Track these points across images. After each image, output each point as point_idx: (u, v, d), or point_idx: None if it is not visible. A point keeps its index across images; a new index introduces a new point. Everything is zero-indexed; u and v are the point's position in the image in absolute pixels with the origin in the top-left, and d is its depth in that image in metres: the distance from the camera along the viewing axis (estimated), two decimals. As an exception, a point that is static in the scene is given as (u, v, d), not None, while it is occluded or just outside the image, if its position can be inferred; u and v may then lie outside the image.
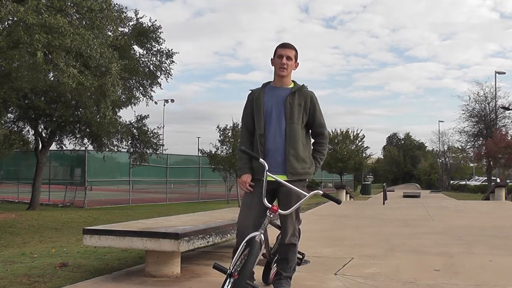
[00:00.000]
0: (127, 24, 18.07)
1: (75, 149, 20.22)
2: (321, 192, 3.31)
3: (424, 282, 4.02)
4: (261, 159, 3.32)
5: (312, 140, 3.65)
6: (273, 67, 3.56)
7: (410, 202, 18.63)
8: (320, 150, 3.59)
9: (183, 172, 29.71)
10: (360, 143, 36.02)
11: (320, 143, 3.60)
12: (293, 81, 3.61)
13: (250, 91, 3.64)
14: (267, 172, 3.28)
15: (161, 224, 4.60)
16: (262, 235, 3.16)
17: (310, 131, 3.61)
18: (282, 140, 3.43)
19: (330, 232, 7.63)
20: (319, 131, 3.58)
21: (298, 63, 3.59)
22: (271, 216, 3.22)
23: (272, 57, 3.56)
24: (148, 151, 20.17)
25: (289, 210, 3.28)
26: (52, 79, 13.64)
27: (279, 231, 3.63)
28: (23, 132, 19.22)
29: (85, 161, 21.66)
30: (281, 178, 3.36)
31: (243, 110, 3.63)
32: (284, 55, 3.49)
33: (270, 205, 3.22)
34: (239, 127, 25.44)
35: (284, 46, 3.54)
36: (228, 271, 2.94)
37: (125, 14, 17.35)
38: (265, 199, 3.23)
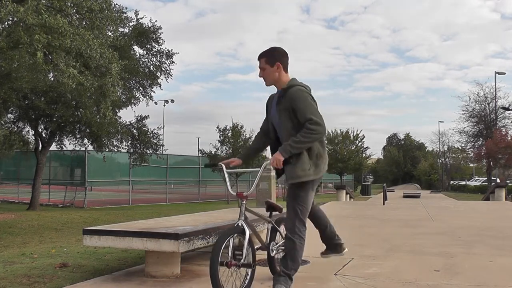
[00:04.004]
0: (127, 25, 18.08)
1: (75, 149, 20.21)
2: (268, 162, 3.55)
3: (424, 283, 4.01)
4: (219, 163, 3.81)
5: None
6: None
7: (410, 202, 18.63)
8: (298, 135, 3.41)
9: (183, 172, 29.71)
10: (360, 143, 36.06)
11: (302, 130, 3.42)
12: (293, 79, 3.63)
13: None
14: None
15: (161, 224, 4.60)
16: (242, 221, 3.43)
17: None
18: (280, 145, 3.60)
19: (330, 233, 7.61)
20: (304, 124, 3.43)
21: (278, 64, 3.56)
22: (243, 202, 3.50)
23: None
24: (148, 152, 20.18)
25: (250, 190, 3.89)
26: (52, 79, 13.63)
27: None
28: (23, 133, 19.20)
29: (85, 161, 21.66)
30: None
31: None
32: (259, 68, 3.62)
33: (235, 193, 3.62)
34: (239, 127, 25.56)
35: (258, 58, 3.61)
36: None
37: (125, 15, 17.35)
38: (231, 188, 3.79)
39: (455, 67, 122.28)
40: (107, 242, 4.05)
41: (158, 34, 18.93)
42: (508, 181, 29.03)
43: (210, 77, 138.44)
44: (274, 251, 3.91)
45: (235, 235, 3.38)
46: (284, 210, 3.86)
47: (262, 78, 3.61)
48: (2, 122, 16.91)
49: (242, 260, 3.33)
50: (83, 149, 20.46)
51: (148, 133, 19.91)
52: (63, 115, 17.23)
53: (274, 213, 4.00)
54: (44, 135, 18.88)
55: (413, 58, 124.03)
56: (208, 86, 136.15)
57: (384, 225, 9.15)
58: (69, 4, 10.98)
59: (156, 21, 24.33)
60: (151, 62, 19.39)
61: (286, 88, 3.53)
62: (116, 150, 19.52)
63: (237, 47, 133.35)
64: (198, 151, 35.84)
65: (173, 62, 19.47)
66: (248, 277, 3.47)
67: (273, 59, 3.55)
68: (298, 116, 3.45)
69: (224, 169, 3.75)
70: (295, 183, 3.50)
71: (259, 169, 3.68)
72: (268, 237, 3.93)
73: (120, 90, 14.89)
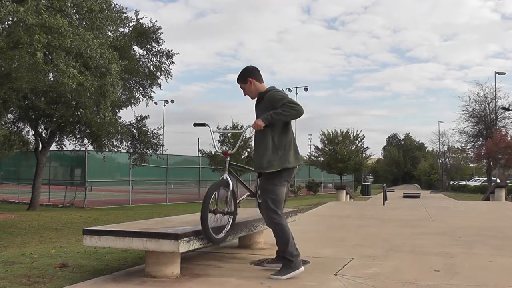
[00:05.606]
0: (127, 25, 18.07)
1: (75, 149, 20.22)
2: (250, 125, 3.98)
3: (424, 283, 4.01)
4: (206, 123, 4.47)
5: None
6: None
7: (410, 202, 18.62)
8: (279, 109, 3.89)
9: (183, 172, 29.73)
10: (360, 143, 36.01)
11: (282, 107, 3.90)
12: (271, 86, 4.21)
13: None
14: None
15: (161, 224, 4.60)
16: (227, 175, 4.05)
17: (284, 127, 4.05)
18: None
19: (330, 233, 7.62)
20: (283, 105, 3.91)
21: (249, 79, 4.13)
22: (228, 159, 4.09)
23: None
24: (148, 152, 20.18)
25: (234, 149, 4.54)
26: (52, 79, 13.63)
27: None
28: (23, 133, 19.22)
29: (85, 161, 21.68)
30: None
31: None
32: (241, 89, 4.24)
33: (221, 151, 4.38)
34: (238, 127, 25.63)
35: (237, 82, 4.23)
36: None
37: (125, 15, 17.34)
38: (217, 147, 4.95)
39: (455, 67, 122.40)
40: (107, 242, 4.05)
41: (158, 34, 18.92)
42: (508, 181, 29.02)
43: (210, 77, 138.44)
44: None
45: (221, 187, 3.98)
46: None
47: (247, 96, 4.19)
48: (2, 122, 16.92)
49: (226, 209, 4.02)
50: (83, 149, 20.46)
51: (148, 133, 19.91)
52: (63, 115, 17.23)
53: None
54: (44, 135, 18.88)
55: (413, 58, 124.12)
56: (208, 86, 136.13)
57: (384, 225, 9.15)
58: (69, 4, 10.97)
59: (156, 21, 24.29)
60: (151, 62, 19.38)
61: (264, 92, 4.08)
62: (116, 150, 19.52)
63: (237, 47, 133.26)
64: (198, 151, 35.86)
65: (173, 62, 19.47)
66: (230, 221, 4.13)
67: (244, 78, 4.15)
68: (278, 105, 3.90)
69: (211, 129, 4.39)
70: (263, 176, 4.04)
71: (241, 130, 4.22)
72: (256, 187, 4.43)
73: (120, 90, 14.89)
